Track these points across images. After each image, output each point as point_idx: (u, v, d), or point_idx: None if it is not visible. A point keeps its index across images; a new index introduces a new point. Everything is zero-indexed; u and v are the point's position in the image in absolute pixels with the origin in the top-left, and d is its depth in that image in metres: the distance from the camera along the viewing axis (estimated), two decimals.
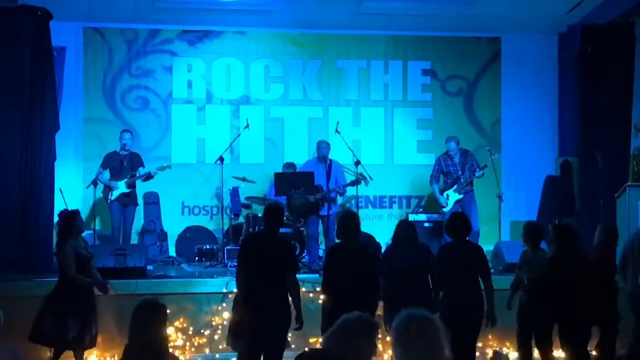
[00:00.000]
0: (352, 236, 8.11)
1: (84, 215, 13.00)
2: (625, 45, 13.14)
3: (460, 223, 8.46)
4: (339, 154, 13.15)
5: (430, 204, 14.18)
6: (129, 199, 12.45)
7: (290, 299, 7.87)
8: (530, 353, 8.86)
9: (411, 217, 13.33)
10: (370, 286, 7.94)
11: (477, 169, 12.65)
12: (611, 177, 12.57)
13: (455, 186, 12.76)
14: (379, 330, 4.25)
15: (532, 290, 8.46)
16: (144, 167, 12.57)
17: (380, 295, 8.09)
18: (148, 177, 12.45)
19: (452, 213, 9.72)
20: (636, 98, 13.17)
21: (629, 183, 12.18)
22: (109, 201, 12.38)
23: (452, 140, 12.98)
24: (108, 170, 12.47)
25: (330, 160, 12.62)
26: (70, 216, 8.66)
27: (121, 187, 12.34)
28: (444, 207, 12.82)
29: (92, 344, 8.59)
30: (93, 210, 12.33)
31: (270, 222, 8.10)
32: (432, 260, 8.36)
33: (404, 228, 8.69)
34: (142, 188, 13.07)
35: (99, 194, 12.41)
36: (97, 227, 12.80)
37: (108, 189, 12.38)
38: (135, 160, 12.57)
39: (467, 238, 8.52)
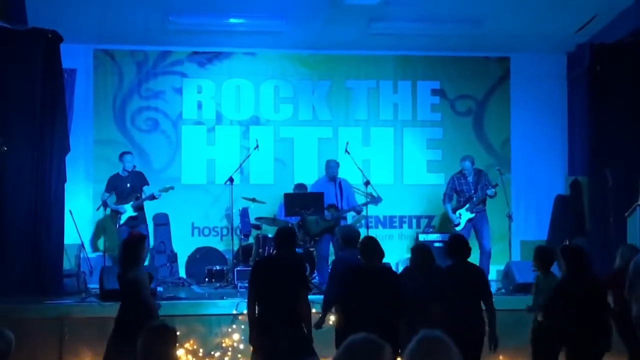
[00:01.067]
0: (372, 257, 8.07)
1: (94, 237, 13.23)
2: (635, 64, 13.11)
3: (460, 245, 8.44)
4: (348, 174, 13.16)
5: (443, 223, 14.19)
6: (137, 221, 12.47)
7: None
8: None
9: (421, 237, 13.39)
10: (394, 309, 7.86)
11: (490, 188, 12.65)
12: (622, 196, 12.51)
13: (468, 205, 12.75)
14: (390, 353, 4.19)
15: (543, 314, 8.43)
16: (148, 184, 12.60)
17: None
18: (152, 198, 12.48)
19: (452, 235, 9.72)
20: None
21: (639, 202, 12.14)
22: (117, 226, 12.38)
23: (468, 159, 12.99)
24: (114, 194, 12.48)
25: (340, 180, 12.65)
26: (136, 241, 8.53)
27: (128, 210, 12.36)
28: (457, 225, 12.80)
29: None
30: (104, 232, 12.32)
31: (281, 245, 8.13)
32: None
33: (420, 252, 8.72)
34: (151, 209, 13.11)
35: (108, 218, 12.44)
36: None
37: (116, 213, 12.39)
38: (138, 180, 12.60)
39: (469, 259, 8.50)
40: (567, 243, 12.47)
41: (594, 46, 13.35)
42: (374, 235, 8.61)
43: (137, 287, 8.05)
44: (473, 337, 8.05)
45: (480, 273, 8.48)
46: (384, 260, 10.47)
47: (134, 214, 12.38)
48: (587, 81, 13.51)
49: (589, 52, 13.41)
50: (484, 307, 8.27)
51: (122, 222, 12.34)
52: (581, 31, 13.48)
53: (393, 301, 7.81)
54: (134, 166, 12.67)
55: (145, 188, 12.54)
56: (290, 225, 11.69)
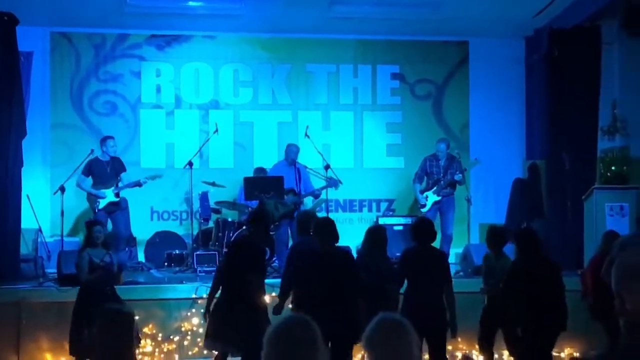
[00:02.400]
0: (327, 239, 8.07)
1: (52, 222, 13.10)
2: (592, 49, 13.22)
3: (424, 228, 8.46)
4: (308, 158, 13.17)
5: (404, 206, 14.39)
6: (117, 206, 12.37)
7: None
8: (492, 356, 8.92)
9: (381, 221, 13.38)
10: (351, 291, 7.88)
11: (457, 172, 12.68)
12: (578, 179, 12.64)
13: (435, 188, 12.79)
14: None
15: (497, 296, 8.51)
16: (125, 170, 12.50)
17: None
18: (136, 185, 12.38)
19: (419, 218, 9.76)
20: (603, 101, 13.26)
21: (596, 185, 12.27)
22: (97, 210, 12.26)
23: (443, 142, 13.05)
24: (90, 177, 12.37)
25: (298, 164, 12.66)
26: (88, 226, 9.13)
27: (109, 195, 12.24)
28: (423, 206, 12.84)
29: None
30: (62, 216, 12.19)
31: (249, 227, 8.40)
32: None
33: (376, 234, 8.75)
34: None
35: (69, 201, 12.32)
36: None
37: (94, 197, 12.27)
38: (118, 165, 12.49)
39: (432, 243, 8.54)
40: (525, 226, 12.62)
41: (551, 31, 13.44)
42: (332, 218, 8.60)
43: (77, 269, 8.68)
44: (437, 320, 8.10)
45: (443, 258, 8.53)
46: (344, 243, 10.56)
47: (115, 199, 12.26)
48: (545, 66, 13.62)
49: (546, 36, 13.51)
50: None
51: (101, 206, 12.20)
52: (539, 16, 13.54)
53: (349, 282, 7.83)
54: (112, 157, 12.53)
55: (123, 175, 12.43)
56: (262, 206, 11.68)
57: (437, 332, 8.08)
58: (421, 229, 8.46)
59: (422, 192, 12.95)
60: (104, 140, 12.56)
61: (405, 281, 8.35)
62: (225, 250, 11.78)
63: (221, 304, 8.16)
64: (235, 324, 7.86)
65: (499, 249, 8.98)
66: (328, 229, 8.03)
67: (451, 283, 8.32)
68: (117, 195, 12.27)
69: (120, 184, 12.37)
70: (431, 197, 12.82)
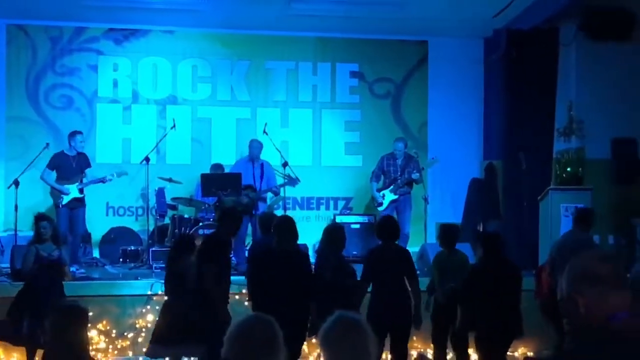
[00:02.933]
0: (285, 238, 8.06)
1: (6, 216, 12.93)
2: (549, 50, 13.36)
3: (389, 227, 8.52)
4: (267, 155, 13.15)
5: (361, 205, 14.36)
6: (81, 202, 12.23)
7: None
8: (445, 354, 8.98)
9: (339, 219, 13.39)
10: (305, 290, 7.91)
11: (415, 171, 12.73)
12: (535, 180, 12.73)
13: (392, 186, 12.84)
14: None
15: (453, 294, 8.55)
16: (90, 166, 12.37)
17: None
18: (101, 181, 12.24)
19: (383, 216, 9.80)
20: (559, 102, 13.39)
21: (551, 186, 12.39)
22: (60, 206, 12.11)
23: (401, 141, 13.13)
24: (54, 171, 12.21)
25: (263, 161, 12.65)
26: (35, 220, 9.16)
27: (73, 191, 12.08)
28: (379, 205, 12.89)
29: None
30: (15, 211, 12.03)
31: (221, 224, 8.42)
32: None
33: (334, 233, 8.76)
34: None
35: (23, 195, 12.15)
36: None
37: (58, 193, 12.12)
38: (84, 161, 12.35)
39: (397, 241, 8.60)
40: (482, 226, 12.70)
41: (510, 32, 13.55)
42: (291, 217, 8.59)
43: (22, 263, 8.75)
44: (401, 318, 8.15)
45: (407, 255, 8.57)
46: (302, 242, 10.55)
47: (80, 195, 12.12)
48: (503, 66, 13.73)
49: (505, 37, 13.62)
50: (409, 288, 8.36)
51: (64, 202, 12.05)
52: (498, 17, 13.61)
53: (304, 282, 7.84)
54: (78, 153, 12.38)
55: (87, 170, 12.29)
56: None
57: (402, 329, 8.17)
58: (385, 227, 8.53)
59: (379, 190, 12.99)
60: (72, 135, 12.39)
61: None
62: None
63: (172, 304, 8.16)
64: (193, 322, 7.83)
65: (451, 246, 9.05)
66: (287, 227, 8.04)
67: (417, 279, 8.39)
68: (81, 191, 12.13)
69: (85, 180, 12.23)
70: (388, 196, 12.85)
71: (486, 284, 8.07)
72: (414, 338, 10.14)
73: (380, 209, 12.87)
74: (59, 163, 12.22)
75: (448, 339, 8.97)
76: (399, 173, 12.91)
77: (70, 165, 12.19)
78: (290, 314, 7.23)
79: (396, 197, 12.82)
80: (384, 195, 12.89)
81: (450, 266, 8.86)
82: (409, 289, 8.34)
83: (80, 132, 12.47)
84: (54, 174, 12.21)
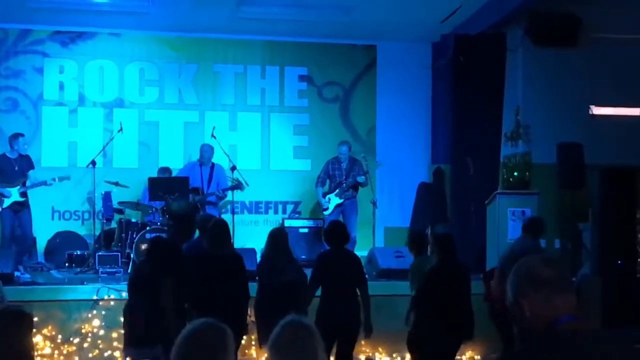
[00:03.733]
0: (222, 244, 8.03)
1: None
2: (497, 55, 13.47)
3: (339, 231, 8.51)
4: (215, 159, 13.15)
5: (309, 209, 14.29)
6: (22, 206, 12.07)
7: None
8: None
9: (287, 223, 13.39)
10: (241, 294, 7.91)
11: (360, 174, 12.78)
12: (482, 184, 12.85)
13: (337, 190, 12.88)
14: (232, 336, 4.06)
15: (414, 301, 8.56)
16: (34, 168, 12.19)
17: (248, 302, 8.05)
18: (42, 184, 12.07)
19: (331, 221, 9.74)
20: (506, 107, 13.51)
21: (498, 190, 12.49)
22: (0, 209, 11.94)
23: (345, 144, 13.18)
24: None
25: (214, 164, 12.64)
26: None
27: (14, 195, 11.91)
28: (325, 210, 12.92)
29: None
30: None
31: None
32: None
33: (280, 236, 8.74)
34: None
35: None
36: None
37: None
38: (26, 163, 12.17)
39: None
40: (429, 229, 12.76)
41: (457, 37, 13.66)
42: (225, 220, 8.55)
43: None
44: (349, 324, 8.13)
45: (356, 260, 8.56)
46: (250, 246, 10.53)
47: (21, 199, 11.93)
48: (451, 71, 13.83)
49: (452, 42, 13.72)
50: (358, 294, 8.35)
51: (5, 205, 11.87)
52: (446, 21, 13.69)
53: (240, 286, 7.85)
54: (25, 154, 12.20)
55: (30, 172, 12.12)
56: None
57: (350, 333, 8.16)
58: (334, 232, 8.51)
59: (324, 195, 13.02)
60: (14, 137, 12.24)
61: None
62: (128, 251, 11.69)
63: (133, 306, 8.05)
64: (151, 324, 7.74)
65: (421, 251, 9.07)
66: (219, 231, 8.02)
67: (366, 284, 8.38)
68: (22, 194, 11.96)
69: (28, 182, 12.07)
70: (333, 200, 12.90)
71: (441, 285, 8.10)
72: (362, 342, 10.15)
73: (326, 213, 12.91)
74: (0, 166, 12.05)
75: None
76: (344, 177, 12.95)
77: (12, 168, 12.05)
78: (226, 317, 7.19)
79: (341, 200, 12.86)
80: (329, 200, 12.93)
81: (420, 272, 8.85)
82: (358, 294, 8.34)
83: (22, 135, 12.33)
84: None
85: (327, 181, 13.16)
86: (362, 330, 8.37)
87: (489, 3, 13.03)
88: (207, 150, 12.85)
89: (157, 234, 11.02)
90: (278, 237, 8.69)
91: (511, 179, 13.08)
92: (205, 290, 7.69)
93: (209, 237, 8.04)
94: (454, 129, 13.72)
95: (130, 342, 7.97)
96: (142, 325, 7.80)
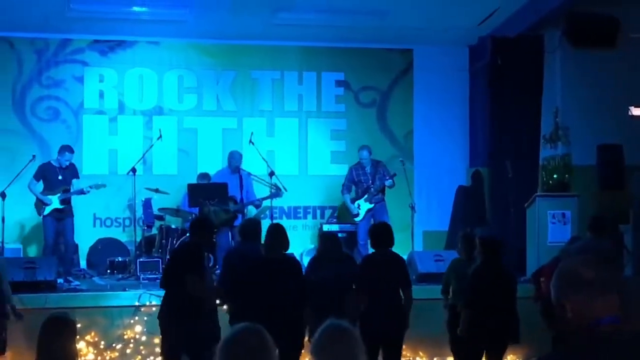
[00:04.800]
0: (274, 246, 8.04)
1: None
2: (534, 57, 13.41)
3: (384, 234, 8.47)
4: (253, 165, 13.17)
5: (343, 214, 14.25)
6: (62, 214, 12.16)
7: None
8: None
9: (325, 228, 13.41)
10: (298, 299, 7.86)
11: (388, 178, 12.77)
12: (521, 187, 12.78)
13: (366, 195, 12.86)
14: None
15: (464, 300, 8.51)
16: (78, 177, 12.34)
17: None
18: (80, 193, 12.19)
19: (376, 224, 9.68)
20: (545, 109, 13.45)
21: (538, 193, 12.43)
22: (42, 216, 12.10)
23: (365, 149, 13.11)
24: (41, 181, 12.18)
25: (241, 172, 12.66)
26: None
27: (55, 202, 12.04)
28: (356, 216, 12.91)
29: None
30: (2, 222, 11.99)
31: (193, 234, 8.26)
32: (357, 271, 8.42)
33: (326, 241, 8.78)
34: None
35: (10, 207, 12.13)
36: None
37: (40, 203, 12.10)
38: (70, 172, 12.29)
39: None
40: (478, 231, 12.70)
41: (495, 39, 13.60)
42: (283, 225, 8.54)
43: None
44: (395, 327, 8.10)
45: (402, 263, 8.49)
46: (289, 251, 10.52)
47: (60, 207, 12.06)
48: (488, 74, 13.78)
49: (490, 45, 13.66)
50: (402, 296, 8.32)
51: (46, 213, 12.03)
52: (483, 24, 13.69)
53: (297, 290, 7.81)
54: (70, 163, 12.34)
55: (74, 181, 12.25)
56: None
57: (396, 338, 8.12)
58: (378, 234, 8.47)
59: (353, 201, 13.00)
60: (61, 150, 12.27)
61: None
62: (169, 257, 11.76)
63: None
64: (183, 330, 7.80)
65: (471, 254, 9.04)
66: (276, 235, 8.02)
67: (410, 287, 8.34)
68: (62, 202, 12.08)
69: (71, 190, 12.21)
70: (364, 206, 12.87)
71: (486, 288, 8.06)
72: (403, 346, 10.14)
73: (357, 219, 12.90)
74: (45, 174, 12.20)
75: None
76: (370, 181, 12.93)
77: (55, 177, 12.17)
78: (284, 323, 7.22)
79: (372, 205, 12.83)
80: (359, 206, 12.91)
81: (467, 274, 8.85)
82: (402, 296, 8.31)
83: (69, 151, 12.33)
84: (40, 185, 12.19)
85: (353, 187, 13.15)
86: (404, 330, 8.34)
87: (526, 5, 13.00)
88: (237, 158, 12.91)
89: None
90: (324, 238, 8.84)
91: (551, 182, 13.02)
92: (259, 294, 7.67)
93: (266, 241, 8.04)
94: (492, 132, 13.67)
95: None
96: None
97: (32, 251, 13.41)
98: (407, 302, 8.29)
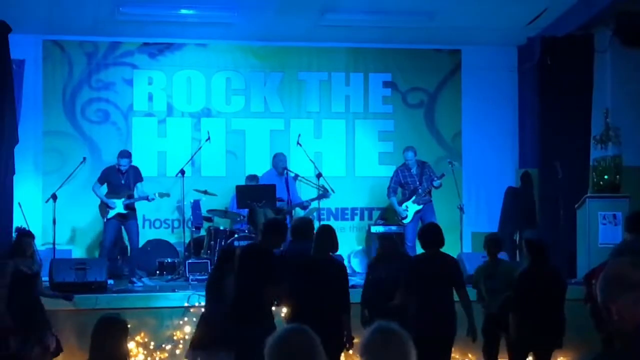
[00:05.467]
0: (322, 247, 8.03)
1: (44, 230, 13.05)
2: (584, 57, 13.27)
3: (434, 235, 8.40)
4: (300, 166, 13.19)
5: (390, 216, 14.21)
6: (126, 219, 12.26)
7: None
8: None
9: (373, 229, 13.42)
10: (340, 302, 7.85)
11: (436, 179, 12.70)
12: (571, 188, 12.66)
13: (414, 197, 12.81)
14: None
15: (507, 303, 8.44)
16: (142, 180, 12.43)
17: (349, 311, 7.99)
18: (145, 199, 12.27)
19: (426, 225, 9.60)
20: (595, 109, 13.30)
21: (588, 194, 12.30)
22: (105, 219, 12.23)
23: (410, 150, 13.06)
24: (105, 184, 12.32)
25: (287, 175, 12.70)
26: (19, 235, 8.98)
27: (119, 206, 12.14)
28: (404, 218, 12.86)
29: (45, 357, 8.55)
30: (54, 224, 12.14)
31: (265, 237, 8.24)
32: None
33: (386, 241, 8.80)
34: None
35: (61, 209, 12.29)
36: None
37: (105, 206, 12.23)
38: (133, 176, 12.38)
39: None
40: (518, 235, 12.63)
41: (544, 39, 13.49)
42: (332, 226, 8.51)
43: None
44: (446, 329, 8.03)
45: (454, 263, 8.38)
46: (337, 252, 10.52)
47: (124, 211, 12.16)
48: (538, 74, 13.66)
49: (539, 45, 13.56)
50: (457, 299, 8.25)
51: (109, 216, 12.16)
52: (532, 24, 13.58)
53: (340, 294, 7.80)
54: (129, 167, 12.43)
55: (138, 184, 12.35)
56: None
57: (446, 340, 8.05)
58: (427, 235, 8.41)
59: (400, 203, 12.94)
60: (119, 155, 12.41)
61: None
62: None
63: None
64: (225, 330, 7.82)
65: (496, 255, 9.00)
66: (325, 236, 8.02)
67: (464, 287, 8.25)
68: (126, 207, 12.16)
69: (135, 195, 12.29)
70: (412, 207, 12.82)
71: (534, 290, 8.00)
72: (452, 348, 10.10)
73: (405, 222, 12.83)
74: (108, 178, 12.34)
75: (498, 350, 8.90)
76: (417, 182, 12.87)
77: (118, 180, 12.27)
78: (324, 325, 7.21)
79: (420, 207, 12.78)
80: (407, 208, 12.85)
81: (498, 274, 8.80)
82: (457, 299, 8.22)
83: (124, 156, 12.41)
84: (104, 188, 12.31)
85: (399, 189, 13.10)
86: (468, 334, 8.28)
87: (575, 4, 12.87)
88: (282, 160, 12.95)
89: (249, 242, 11.11)
90: (381, 238, 9.00)
91: (601, 182, 12.89)
92: (305, 295, 7.68)
93: (314, 242, 8.04)
94: (541, 133, 13.55)
95: (201, 345, 8.11)
96: (214, 329, 7.94)
97: (83, 253, 13.54)
98: (465, 302, 8.18)
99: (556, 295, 8.14)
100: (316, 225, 10.36)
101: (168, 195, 12.52)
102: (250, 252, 8.27)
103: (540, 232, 12.93)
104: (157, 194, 12.33)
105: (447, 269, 8.21)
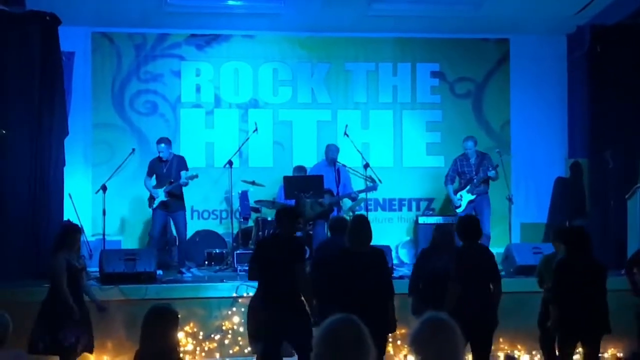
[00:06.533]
0: (358, 238, 8.04)
1: (94, 221, 13.19)
2: (635, 46, 13.09)
3: (471, 227, 8.37)
4: (348, 157, 13.16)
5: (443, 206, 14.19)
6: (172, 206, 12.30)
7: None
8: (554, 357, 8.76)
9: (421, 220, 13.38)
10: (384, 291, 7.91)
11: (491, 169, 12.60)
12: (621, 178, 12.52)
13: (469, 187, 12.73)
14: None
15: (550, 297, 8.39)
16: (187, 169, 12.43)
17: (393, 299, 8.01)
18: (179, 185, 12.33)
19: (463, 217, 9.64)
20: None
21: (639, 184, 12.13)
22: (151, 208, 12.35)
23: (470, 139, 12.97)
24: (154, 176, 12.43)
25: (339, 165, 12.67)
26: (68, 230, 8.93)
27: (161, 195, 12.23)
28: (457, 207, 12.79)
29: (86, 350, 8.61)
30: (104, 215, 12.26)
31: (280, 224, 8.29)
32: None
33: (443, 232, 8.78)
34: None
35: (111, 200, 12.42)
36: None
37: (150, 196, 12.36)
38: (176, 165, 12.41)
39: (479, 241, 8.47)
40: (568, 225, 12.50)
41: (594, 28, 13.34)
42: (368, 218, 8.46)
43: (52, 274, 8.55)
44: (488, 319, 8.00)
45: (490, 256, 8.33)
46: (384, 243, 10.53)
47: (165, 199, 12.25)
48: (587, 63, 13.52)
49: (589, 33, 13.41)
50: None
51: (154, 205, 12.26)
52: (581, 13, 13.42)
53: (383, 283, 7.83)
54: (171, 153, 12.47)
55: (182, 173, 12.39)
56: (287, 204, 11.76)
57: (487, 331, 8.02)
58: (465, 227, 8.37)
59: (455, 192, 12.87)
60: (157, 142, 12.48)
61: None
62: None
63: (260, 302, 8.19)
64: (284, 319, 7.87)
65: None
66: (359, 227, 8.02)
67: (499, 280, 8.20)
68: (167, 194, 12.23)
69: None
70: (465, 197, 12.74)
71: (572, 279, 7.91)
72: (500, 340, 10.07)
73: (458, 211, 12.74)
74: (153, 169, 12.43)
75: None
76: (474, 172, 12.78)
77: (161, 170, 12.35)
78: (368, 314, 7.22)
79: (474, 197, 12.68)
80: (461, 197, 12.78)
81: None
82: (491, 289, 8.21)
83: (161, 142, 12.41)
84: (153, 180, 12.41)
85: (457, 178, 13.03)
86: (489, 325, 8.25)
87: None
88: (334, 151, 12.91)
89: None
90: (436, 229, 9.13)
91: None
92: (346, 287, 7.69)
93: (350, 234, 8.04)
94: (591, 122, 13.40)
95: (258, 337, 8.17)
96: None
97: (133, 243, 13.66)
98: (497, 296, 8.16)
99: (595, 282, 8.01)
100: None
101: (196, 176, 12.42)
102: (273, 241, 8.51)
103: (590, 222, 12.80)
104: (188, 178, 12.28)
105: (486, 261, 8.19)
